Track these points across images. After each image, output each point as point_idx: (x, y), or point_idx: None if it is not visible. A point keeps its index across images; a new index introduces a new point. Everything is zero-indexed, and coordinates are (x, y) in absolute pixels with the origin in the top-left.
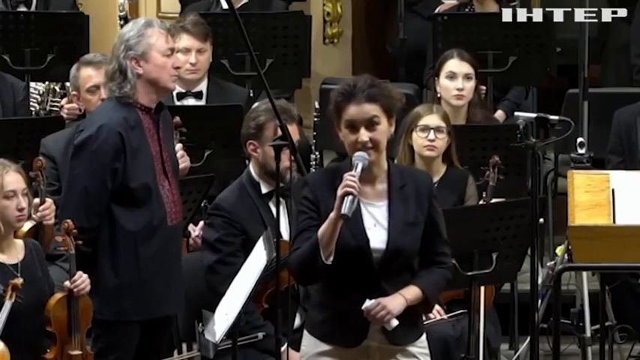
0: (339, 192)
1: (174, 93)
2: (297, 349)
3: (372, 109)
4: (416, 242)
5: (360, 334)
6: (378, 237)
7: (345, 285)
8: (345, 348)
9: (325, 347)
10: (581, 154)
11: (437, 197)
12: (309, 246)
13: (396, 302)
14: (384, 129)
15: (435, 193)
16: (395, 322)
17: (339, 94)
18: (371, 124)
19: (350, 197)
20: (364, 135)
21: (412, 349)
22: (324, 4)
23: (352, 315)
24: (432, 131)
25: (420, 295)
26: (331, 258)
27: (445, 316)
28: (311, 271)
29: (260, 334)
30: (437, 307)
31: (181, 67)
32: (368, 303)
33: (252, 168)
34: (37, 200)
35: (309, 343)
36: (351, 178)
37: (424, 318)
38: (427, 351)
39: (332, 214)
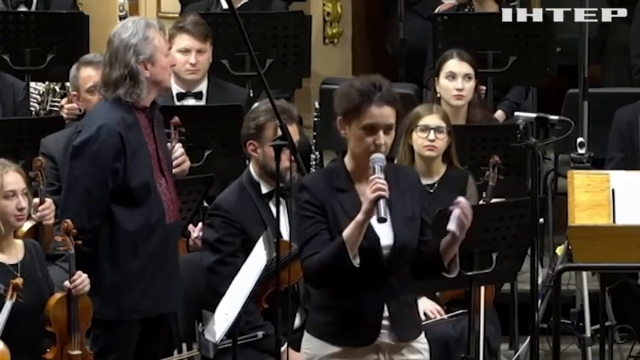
0: (371, 196)
1: (175, 93)
2: (297, 349)
3: (391, 114)
4: (416, 236)
5: (372, 333)
6: (385, 234)
7: (354, 284)
8: (357, 347)
9: (335, 349)
10: (581, 154)
11: (423, 191)
12: (333, 249)
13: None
14: (393, 134)
15: (422, 187)
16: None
17: (359, 91)
18: (389, 128)
19: (383, 200)
20: (382, 138)
21: (416, 344)
22: (324, 4)
23: (363, 314)
24: (432, 131)
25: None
26: (357, 259)
27: (445, 316)
28: (335, 274)
29: (260, 334)
30: (437, 306)
31: (176, 64)
32: (463, 201)
33: (252, 168)
34: (36, 200)
35: (314, 345)
36: (379, 181)
37: (424, 318)
38: (427, 346)
39: (359, 217)
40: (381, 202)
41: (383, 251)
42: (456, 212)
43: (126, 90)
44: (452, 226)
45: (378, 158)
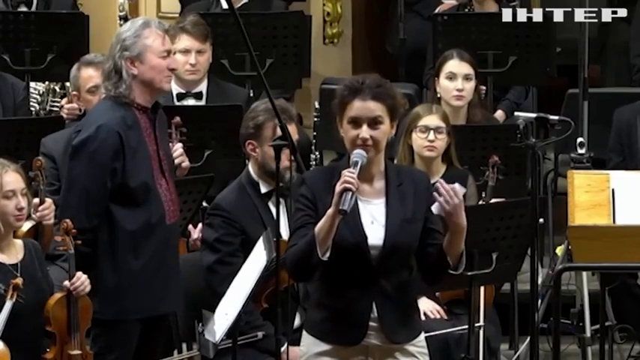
0: (338, 188)
1: (175, 93)
2: None
3: (376, 108)
4: (413, 239)
5: (359, 333)
6: (375, 234)
7: (343, 283)
8: (345, 347)
9: (325, 347)
10: (581, 154)
11: (432, 194)
12: (305, 242)
13: (462, 211)
14: (386, 130)
15: (432, 190)
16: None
17: (345, 87)
18: (374, 122)
19: (349, 193)
20: (365, 132)
21: (410, 348)
22: (324, 4)
23: (351, 313)
24: (431, 131)
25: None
26: (327, 254)
27: (447, 330)
28: (306, 267)
29: (260, 334)
30: (437, 306)
31: (178, 68)
32: (458, 187)
33: (251, 168)
34: (36, 200)
35: (308, 342)
36: (349, 174)
37: (424, 318)
38: (426, 350)
39: (330, 210)
40: (347, 195)
41: (371, 251)
42: (435, 195)
43: (112, 84)
44: (434, 208)
45: (357, 154)
